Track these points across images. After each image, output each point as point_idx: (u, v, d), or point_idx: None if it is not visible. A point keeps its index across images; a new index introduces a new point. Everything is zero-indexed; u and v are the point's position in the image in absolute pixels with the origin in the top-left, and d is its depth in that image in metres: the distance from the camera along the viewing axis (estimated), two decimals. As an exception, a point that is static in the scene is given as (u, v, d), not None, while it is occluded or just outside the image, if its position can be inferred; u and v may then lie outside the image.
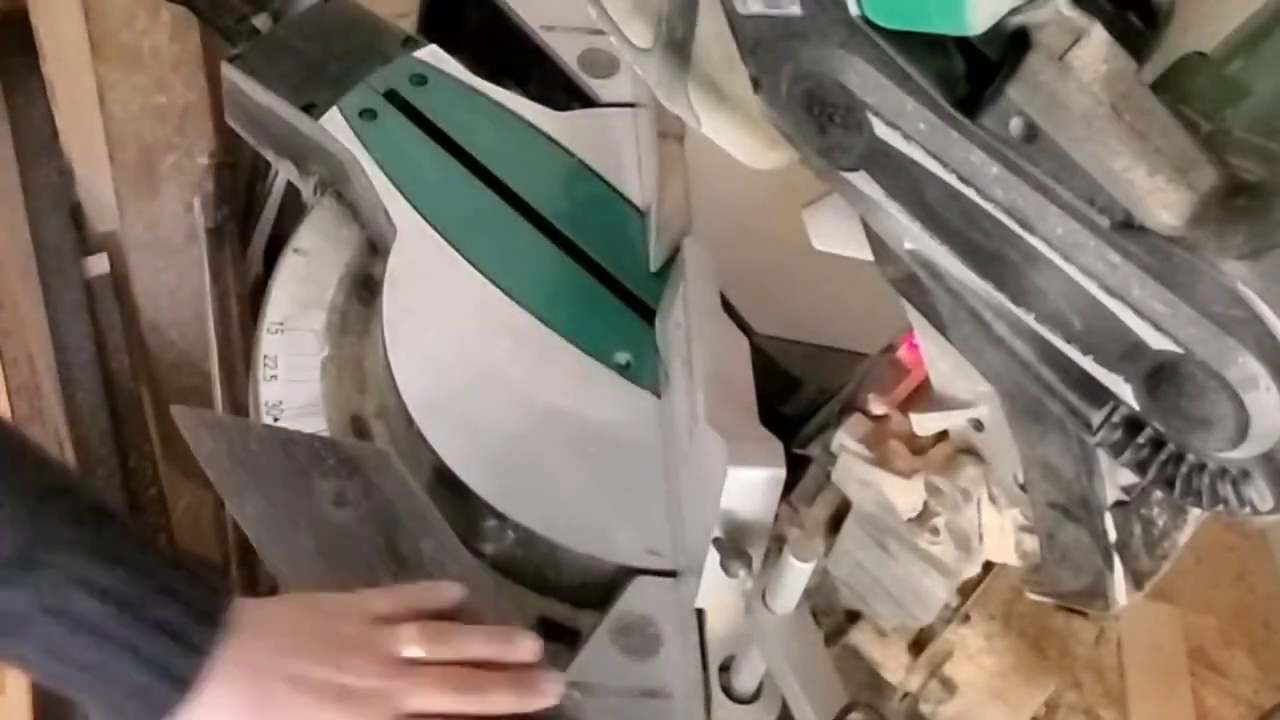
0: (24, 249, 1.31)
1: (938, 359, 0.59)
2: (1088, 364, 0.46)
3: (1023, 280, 0.47)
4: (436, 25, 1.15)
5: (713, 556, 0.70)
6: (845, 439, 0.66)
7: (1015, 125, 0.44)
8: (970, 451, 0.61)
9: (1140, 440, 0.46)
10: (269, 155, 1.05)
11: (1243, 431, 0.42)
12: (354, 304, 0.94)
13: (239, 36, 1.10)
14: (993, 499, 0.61)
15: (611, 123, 1.02)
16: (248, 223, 1.41)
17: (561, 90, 1.06)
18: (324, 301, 0.92)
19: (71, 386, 1.27)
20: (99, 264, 1.35)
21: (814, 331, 0.87)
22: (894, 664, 0.74)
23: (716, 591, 0.74)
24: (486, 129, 1.00)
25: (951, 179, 0.47)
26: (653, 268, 0.93)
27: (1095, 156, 0.42)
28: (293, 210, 1.32)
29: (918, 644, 0.75)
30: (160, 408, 1.41)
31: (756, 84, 0.53)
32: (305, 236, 0.96)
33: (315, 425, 0.86)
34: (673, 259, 0.89)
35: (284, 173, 1.06)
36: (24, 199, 1.33)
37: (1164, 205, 0.42)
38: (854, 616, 0.74)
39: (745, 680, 0.73)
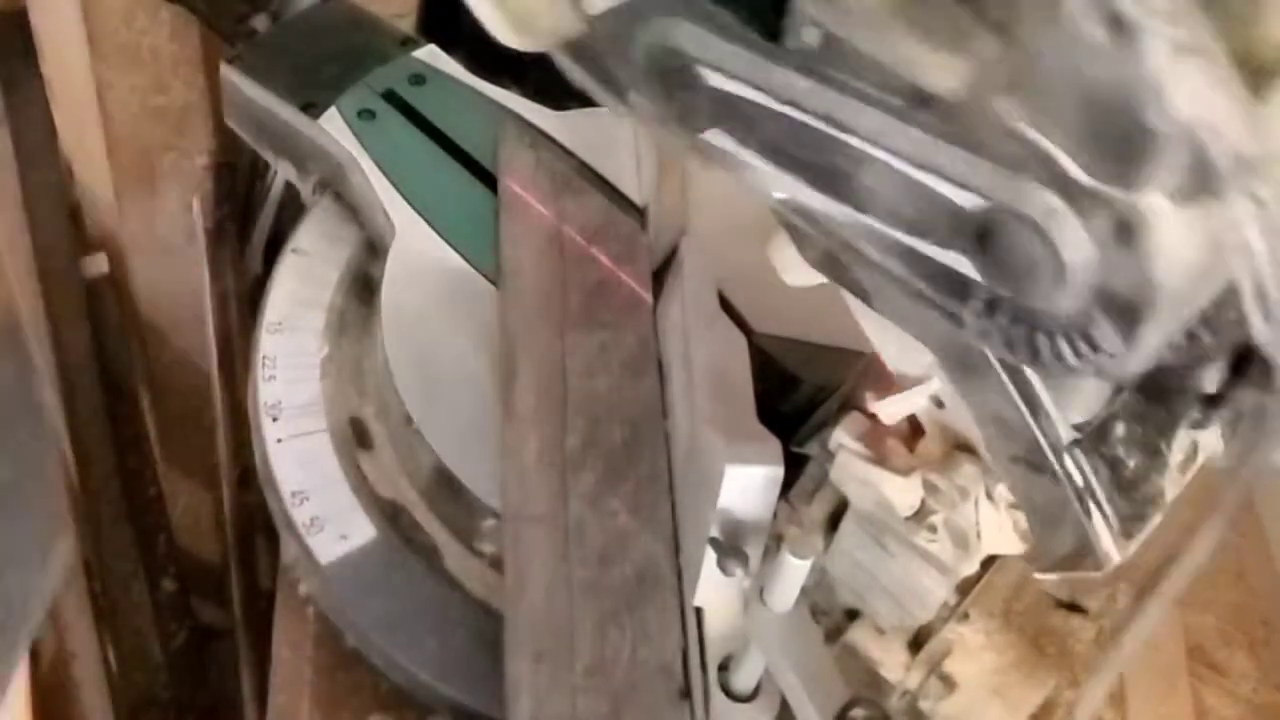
0: (23, 249, 1.32)
1: (881, 339, 0.60)
2: (931, 250, 0.48)
3: (855, 184, 0.49)
4: (435, 25, 1.15)
5: (710, 555, 0.70)
6: (843, 437, 0.66)
7: (813, 36, 0.47)
8: (967, 449, 0.61)
9: (1001, 319, 0.47)
10: (268, 155, 1.05)
11: (1061, 270, 0.44)
12: (353, 304, 0.94)
13: (238, 37, 1.10)
14: (990, 496, 0.61)
15: (610, 122, 1.02)
16: (247, 223, 1.41)
17: (560, 90, 1.06)
18: (323, 301, 0.93)
19: (71, 386, 1.27)
20: (98, 264, 1.35)
21: (812, 330, 0.87)
22: (892, 662, 0.74)
23: (714, 590, 0.74)
24: (485, 129, 1.00)
25: (774, 104, 0.50)
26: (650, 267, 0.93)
27: (883, 45, 0.46)
28: (292, 210, 1.31)
29: (916, 642, 0.75)
30: (160, 407, 1.41)
31: (624, 89, 0.57)
32: (304, 236, 0.97)
33: (314, 425, 0.86)
34: (671, 257, 0.89)
35: (283, 173, 1.06)
36: (23, 199, 1.33)
37: (946, 73, 0.44)
38: (852, 615, 0.74)
39: (744, 679, 0.73)
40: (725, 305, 0.82)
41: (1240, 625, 0.89)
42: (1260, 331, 0.42)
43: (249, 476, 1.29)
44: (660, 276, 0.90)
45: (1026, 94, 0.42)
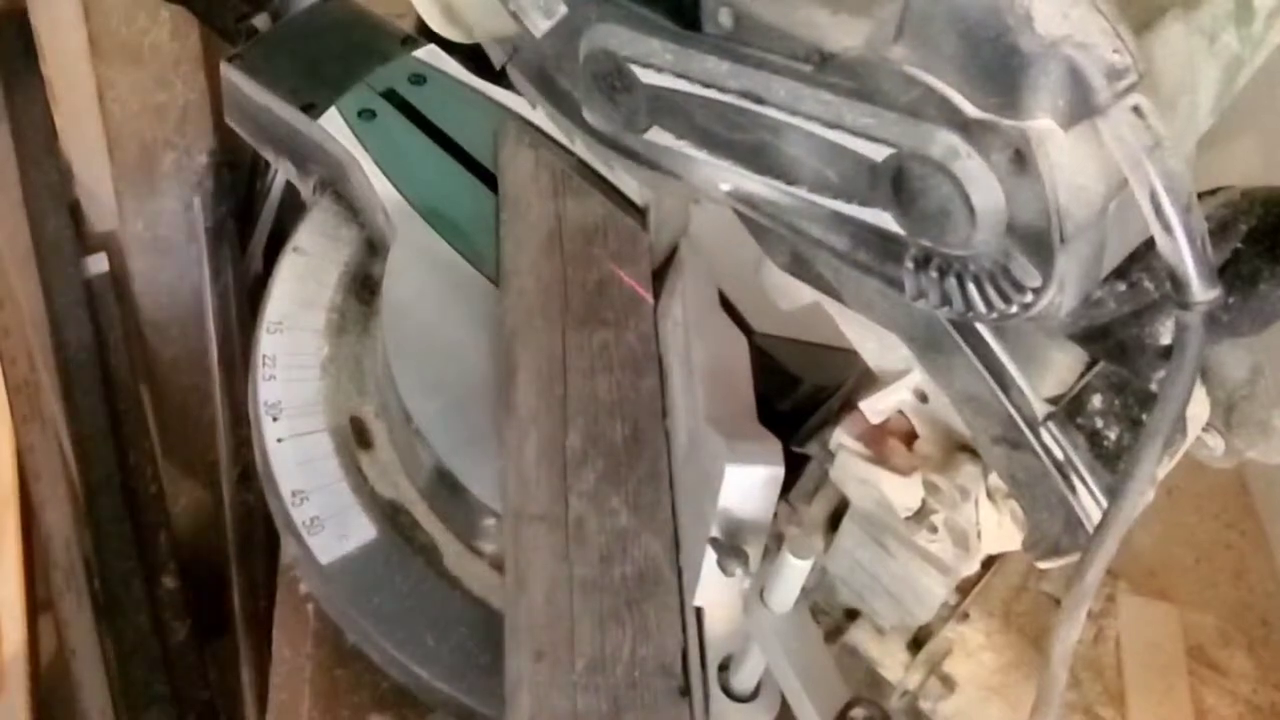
0: (24, 247, 1.32)
1: (860, 337, 0.61)
2: (858, 211, 0.50)
3: (781, 156, 0.51)
4: (435, 24, 1.15)
5: (710, 555, 0.70)
6: (843, 437, 0.66)
7: (725, 17, 0.50)
8: (967, 449, 0.61)
9: (932, 273, 0.48)
10: (268, 155, 1.05)
11: (970, 207, 0.45)
12: (353, 303, 0.94)
13: (238, 36, 1.10)
14: (990, 496, 0.61)
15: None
16: (247, 222, 1.41)
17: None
18: (323, 301, 0.93)
19: (71, 384, 1.27)
20: (98, 262, 1.35)
21: (812, 330, 0.87)
22: (892, 662, 0.74)
23: (714, 590, 0.74)
24: (485, 128, 1.00)
25: (699, 90, 0.53)
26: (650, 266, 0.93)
27: (786, 14, 0.48)
28: (292, 209, 1.32)
29: (916, 642, 0.75)
30: (159, 406, 1.41)
31: (575, 106, 0.59)
32: (304, 236, 0.97)
33: (314, 425, 0.86)
34: (671, 257, 0.89)
35: (283, 172, 1.06)
36: (24, 198, 1.33)
37: (845, 33, 0.47)
38: (853, 615, 0.75)
39: (744, 679, 0.73)
40: (725, 305, 0.82)
41: (1239, 624, 0.89)
42: (1162, 244, 0.42)
43: (249, 476, 1.29)
44: (660, 276, 0.90)
45: (912, 37, 0.44)
